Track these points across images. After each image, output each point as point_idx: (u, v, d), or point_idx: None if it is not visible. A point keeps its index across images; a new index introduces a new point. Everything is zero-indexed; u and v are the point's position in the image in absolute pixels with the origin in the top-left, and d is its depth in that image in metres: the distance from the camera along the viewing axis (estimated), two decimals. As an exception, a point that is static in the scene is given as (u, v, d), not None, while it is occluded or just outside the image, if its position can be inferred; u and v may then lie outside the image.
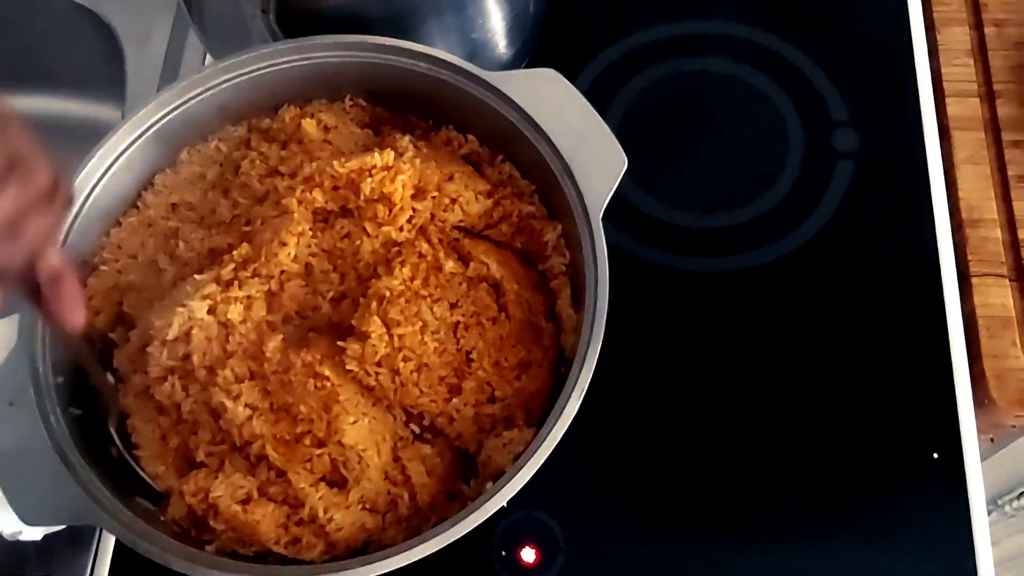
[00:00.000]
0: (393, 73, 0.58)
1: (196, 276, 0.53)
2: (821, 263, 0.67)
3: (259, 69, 0.58)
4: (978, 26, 0.76)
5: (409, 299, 0.52)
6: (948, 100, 0.73)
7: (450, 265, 0.54)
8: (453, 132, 0.60)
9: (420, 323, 0.52)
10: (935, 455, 0.60)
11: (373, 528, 0.50)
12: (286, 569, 0.48)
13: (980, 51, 0.75)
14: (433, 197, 0.55)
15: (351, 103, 0.61)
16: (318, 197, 0.54)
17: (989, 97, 0.73)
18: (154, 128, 0.57)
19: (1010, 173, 0.70)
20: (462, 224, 0.57)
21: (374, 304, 0.52)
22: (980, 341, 0.63)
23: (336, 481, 0.51)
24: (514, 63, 0.72)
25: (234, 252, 0.53)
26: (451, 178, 0.56)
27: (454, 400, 0.52)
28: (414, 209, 0.55)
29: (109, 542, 0.60)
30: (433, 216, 0.55)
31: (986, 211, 0.68)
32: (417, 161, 0.55)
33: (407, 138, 0.57)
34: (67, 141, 0.88)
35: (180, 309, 0.51)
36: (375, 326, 0.51)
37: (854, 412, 0.62)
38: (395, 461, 0.52)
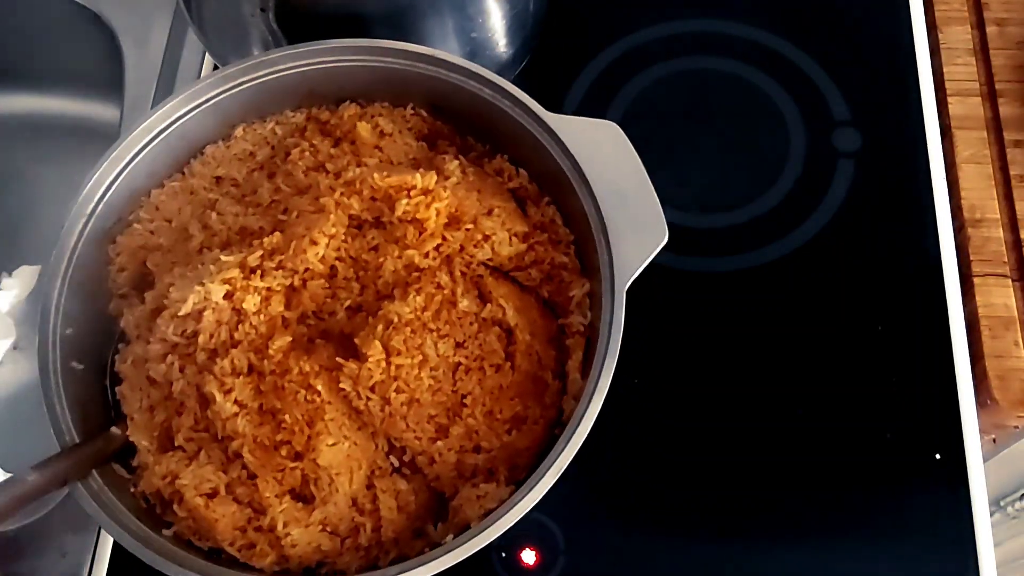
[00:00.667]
0: (458, 92, 0.57)
1: (221, 256, 0.52)
2: (822, 263, 0.67)
3: (327, 62, 0.58)
4: (980, 25, 0.76)
5: (416, 329, 0.51)
6: (950, 99, 0.73)
7: (465, 303, 0.53)
8: (506, 163, 0.59)
9: (420, 356, 0.51)
10: (937, 456, 0.60)
11: (329, 550, 0.50)
12: (232, 573, 0.48)
13: (982, 50, 0.75)
14: (467, 229, 0.54)
15: (412, 112, 0.60)
16: (355, 204, 0.54)
17: (991, 96, 0.73)
18: (213, 100, 0.57)
19: (1012, 172, 0.69)
20: (490, 262, 0.55)
21: (380, 327, 0.51)
22: (982, 341, 0.63)
23: (303, 496, 0.50)
24: (514, 62, 0.72)
25: (264, 240, 0.53)
26: (490, 213, 0.55)
27: (439, 443, 0.51)
28: (444, 238, 0.54)
29: (108, 540, 0.60)
30: (462, 248, 0.54)
31: (988, 211, 0.68)
32: (460, 190, 0.54)
33: (456, 163, 0.56)
34: (65, 141, 0.88)
35: (198, 287, 0.50)
36: (375, 350, 0.50)
37: (855, 412, 0.61)
38: (368, 489, 0.51)
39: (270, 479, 0.49)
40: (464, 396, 0.52)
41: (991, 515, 0.61)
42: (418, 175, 0.53)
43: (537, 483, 0.46)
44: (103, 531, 0.59)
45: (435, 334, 0.52)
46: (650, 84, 0.75)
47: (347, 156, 0.58)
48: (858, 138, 0.71)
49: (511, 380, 0.52)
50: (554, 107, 0.55)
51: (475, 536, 0.46)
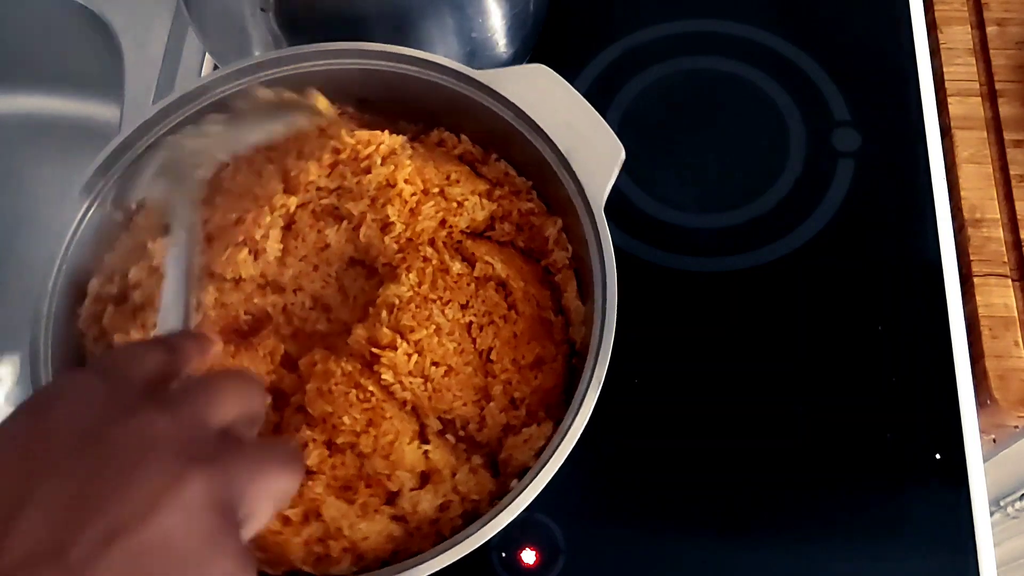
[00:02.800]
0: (381, 78, 0.57)
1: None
2: (822, 263, 0.67)
3: (241, 85, 0.56)
4: (980, 25, 0.76)
5: (419, 304, 0.51)
6: (950, 99, 0.73)
7: (457, 266, 0.53)
8: (445, 133, 0.59)
9: (434, 326, 0.51)
10: (937, 456, 0.60)
11: (400, 537, 0.49)
12: None
13: (982, 50, 0.75)
14: (436, 192, 0.54)
15: (339, 112, 0.59)
16: (312, 169, 0.53)
17: (991, 96, 0.73)
18: (139, 150, 0.55)
19: (1012, 172, 0.69)
20: (467, 229, 0.56)
21: (384, 314, 0.51)
22: (982, 341, 0.63)
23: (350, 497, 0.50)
24: (514, 62, 0.71)
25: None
26: (448, 178, 0.55)
27: (491, 404, 0.51)
28: (422, 198, 0.54)
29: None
30: (444, 221, 0.55)
31: (988, 211, 0.68)
32: (416, 159, 0.55)
33: (403, 137, 0.56)
34: (65, 141, 0.88)
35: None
36: (385, 335, 0.50)
37: (854, 412, 0.61)
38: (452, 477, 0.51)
39: (343, 505, 0.49)
40: (488, 352, 0.52)
41: (991, 515, 0.61)
42: (385, 132, 0.54)
43: (582, 401, 0.47)
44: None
45: (439, 302, 0.52)
46: (650, 84, 0.75)
47: (292, 150, 0.56)
48: (858, 138, 0.71)
49: (522, 327, 0.53)
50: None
51: (542, 469, 0.46)
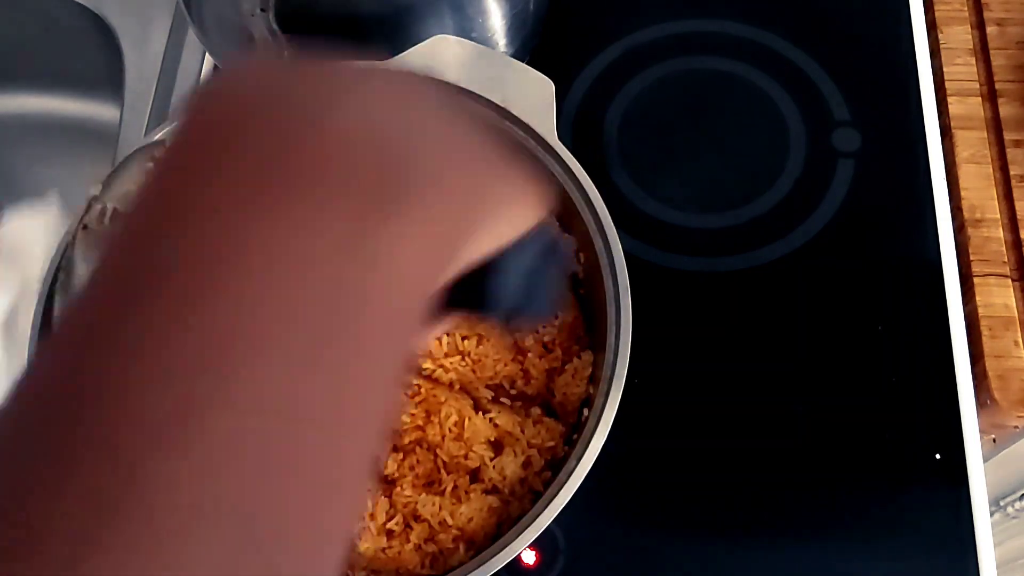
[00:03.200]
0: None
1: None
2: (822, 263, 0.67)
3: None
4: (980, 25, 0.76)
5: None
6: (950, 99, 0.73)
7: None
8: None
9: None
10: (937, 456, 0.60)
11: (499, 507, 0.49)
12: None
13: (982, 50, 0.75)
14: None
15: None
16: None
17: (991, 96, 0.73)
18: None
19: (1012, 172, 0.69)
20: None
21: None
22: (982, 341, 0.63)
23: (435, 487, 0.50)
24: (514, 62, 0.71)
25: None
26: None
27: (528, 356, 0.52)
28: None
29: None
30: None
31: (988, 211, 0.68)
32: None
33: None
34: (65, 141, 0.88)
35: None
36: None
37: (854, 412, 0.61)
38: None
39: (435, 498, 0.49)
40: None
41: (991, 515, 0.61)
42: None
43: (620, 318, 0.49)
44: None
45: None
46: (650, 84, 0.75)
47: None
48: (858, 138, 0.71)
49: None
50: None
51: (610, 388, 0.47)
